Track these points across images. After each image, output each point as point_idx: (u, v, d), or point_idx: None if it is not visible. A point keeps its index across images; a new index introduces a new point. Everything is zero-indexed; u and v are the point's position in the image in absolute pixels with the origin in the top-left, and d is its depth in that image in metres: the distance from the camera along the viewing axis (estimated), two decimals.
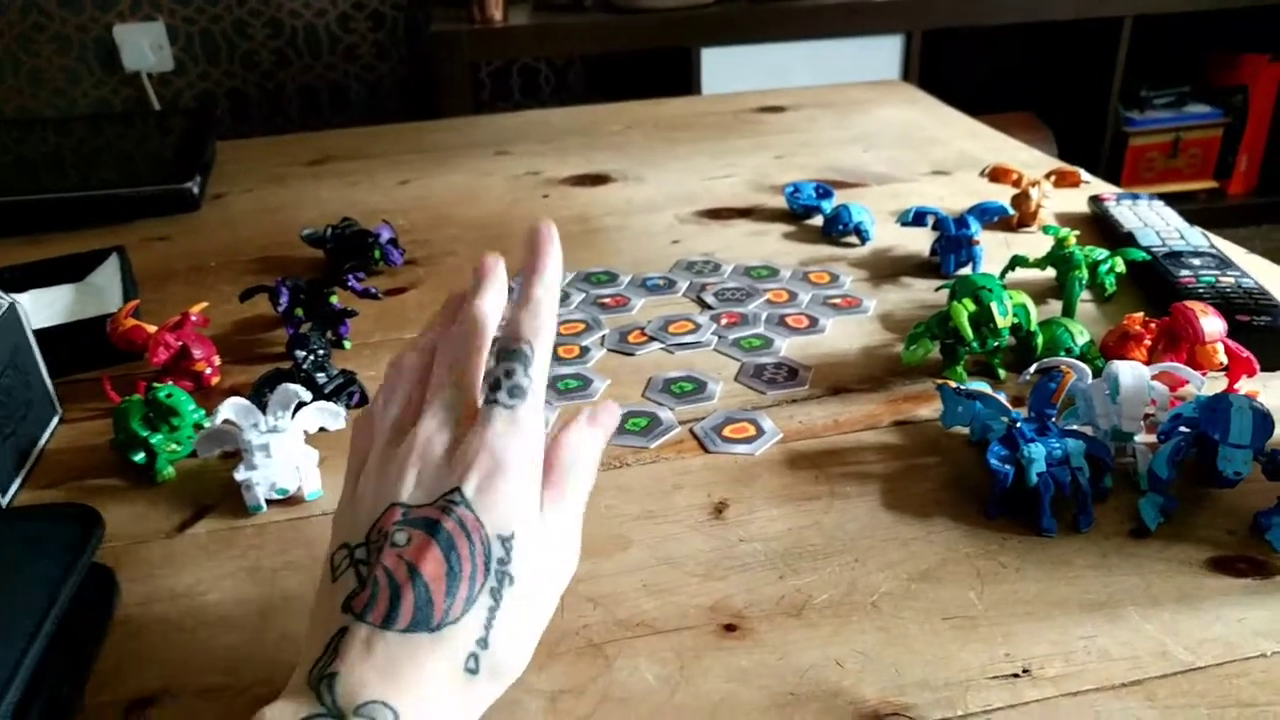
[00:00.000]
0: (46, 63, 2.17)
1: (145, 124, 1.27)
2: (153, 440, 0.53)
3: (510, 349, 0.36)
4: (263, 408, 0.52)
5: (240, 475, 0.50)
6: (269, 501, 0.51)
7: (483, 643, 0.32)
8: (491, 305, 0.39)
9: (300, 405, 0.52)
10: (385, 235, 0.78)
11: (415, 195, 0.96)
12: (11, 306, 0.56)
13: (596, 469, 0.39)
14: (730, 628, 0.42)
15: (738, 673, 0.40)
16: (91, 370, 0.65)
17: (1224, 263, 0.68)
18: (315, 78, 2.30)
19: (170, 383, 0.59)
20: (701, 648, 0.41)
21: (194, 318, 0.63)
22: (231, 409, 0.51)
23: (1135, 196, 0.82)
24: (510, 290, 0.40)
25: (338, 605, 0.33)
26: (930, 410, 0.56)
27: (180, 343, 0.61)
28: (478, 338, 0.38)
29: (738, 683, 0.39)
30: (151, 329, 0.61)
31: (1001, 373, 0.60)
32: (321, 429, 0.55)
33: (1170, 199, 0.81)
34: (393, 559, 0.33)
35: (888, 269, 0.75)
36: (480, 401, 0.37)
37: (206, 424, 0.54)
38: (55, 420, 0.59)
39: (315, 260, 0.81)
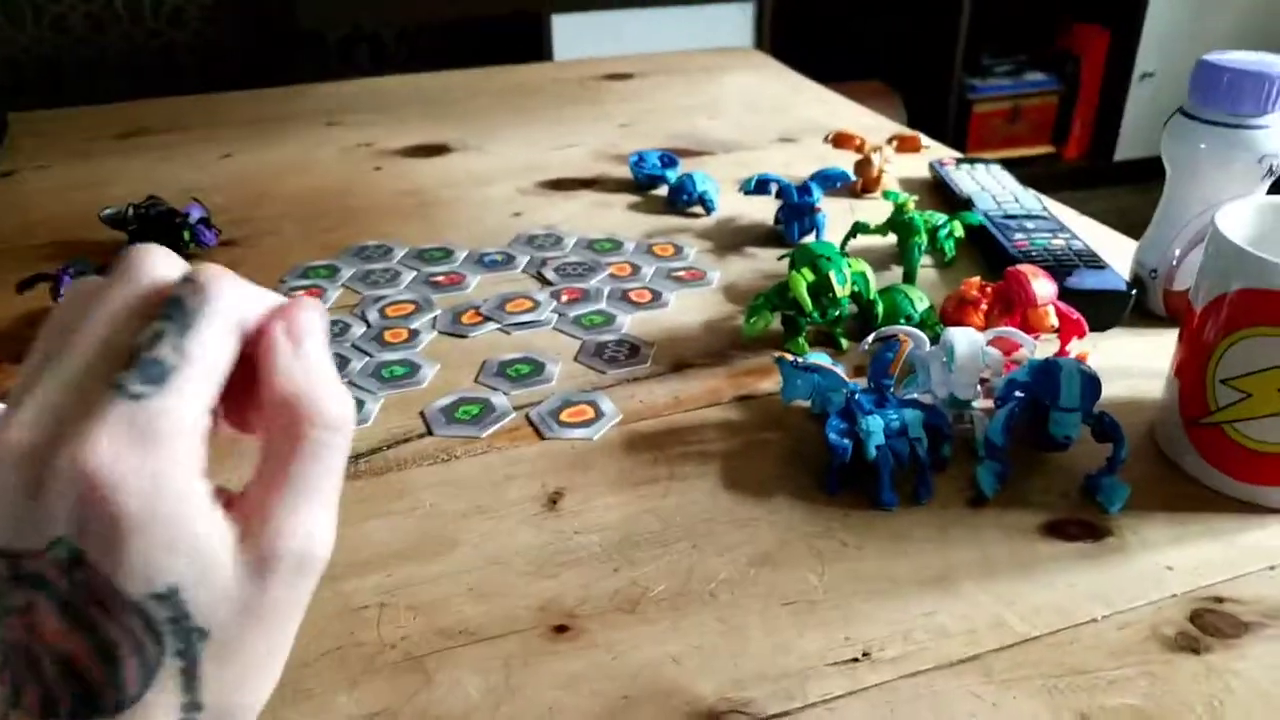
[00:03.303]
0: None
1: None
2: None
3: (173, 296, 0.23)
4: None
5: None
6: None
7: (193, 706, 0.24)
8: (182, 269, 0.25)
9: None
10: (195, 215, 0.71)
11: (236, 170, 0.89)
12: None
13: (349, 409, 0.25)
14: (561, 629, 0.39)
15: (568, 678, 0.37)
16: None
17: (1056, 225, 0.69)
18: (138, 45, 2.14)
19: None
20: (530, 653, 0.38)
21: None
22: None
23: (973, 161, 0.82)
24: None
25: None
26: (772, 384, 0.55)
27: None
28: (150, 290, 0.24)
29: (567, 689, 0.37)
30: None
31: (844, 342, 0.59)
32: None
33: (1011, 164, 0.83)
34: (19, 632, 0.23)
35: (732, 239, 0.74)
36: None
37: None
38: None
39: (117, 243, 0.73)
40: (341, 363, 0.57)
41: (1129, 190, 2.64)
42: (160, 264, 0.25)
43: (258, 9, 2.14)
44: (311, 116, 1.03)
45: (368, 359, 0.58)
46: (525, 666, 0.38)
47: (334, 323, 0.62)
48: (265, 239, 0.75)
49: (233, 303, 0.24)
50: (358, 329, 0.61)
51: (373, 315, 0.62)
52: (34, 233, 0.76)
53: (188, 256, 0.71)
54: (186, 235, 0.70)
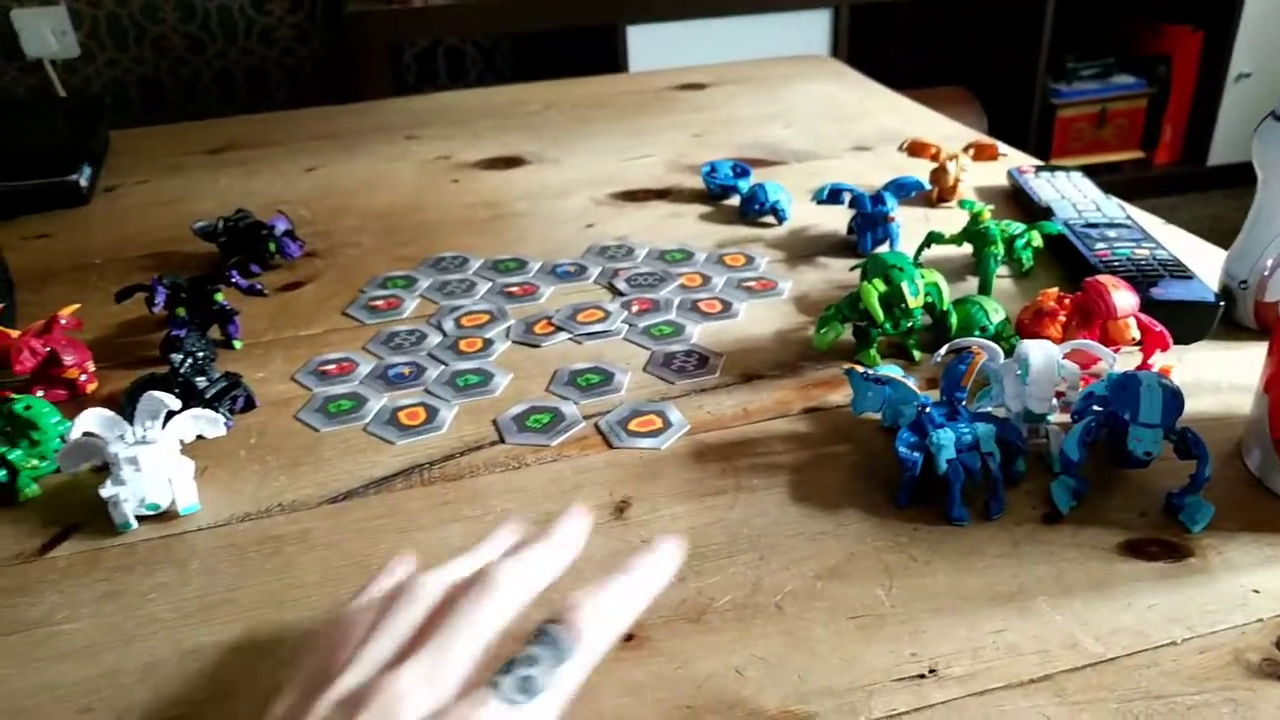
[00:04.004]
0: None
1: (30, 113, 1.20)
2: (11, 456, 0.49)
3: (547, 631, 0.30)
4: (131, 417, 0.49)
5: (106, 491, 0.47)
6: (140, 518, 0.48)
7: None
8: (537, 566, 0.33)
9: (171, 414, 0.49)
10: (281, 227, 0.74)
11: (319, 184, 0.91)
12: None
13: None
14: (627, 637, 0.40)
15: (632, 686, 0.37)
16: None
17: (1140, 234, 0.67)
18: (231, 63, 2.22)
19: (39, 393, 0.56)
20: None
21: (63, 321, 0.58)
22: (92, 420, 0.47)
23: (1053, 168, 0.81)
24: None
25: None
26: (843, 396, 0.54)
27: (48, 349, 0.57)
28: (508, 600, 0.31)
29: (632, 697, 0.37)
30: (15, 334, 0.57)
31: (917, 354, 0.58)
32: (200, 437, 0.51)
33: (1098, 170, 0.81)
34: None
35: (804, 249, 0.73)
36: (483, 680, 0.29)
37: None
38: None
39: (209, 254, 0.76)
40: (418, 371, 0.59)
41: (1223, 196, 2.54)
42: (525, 582, 0.32)
43: (343, 29, 2.21)
44: (391, 130, 1.05)
45: (443, 368, 0.59)
46: (592, 673, 0.38)
47: (411, 332, 0.63)
48: (346, 250, 0.77)
49: (598, 645, 0.30)
50: (434, 338, 0.62)
51: (449, 325, 0.64)
52: (132, 244, 0.80)
53: (274, 268, 0.74)
54: (272, 247, 0.73)
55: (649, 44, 2.01)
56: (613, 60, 2.01)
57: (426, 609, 0.32)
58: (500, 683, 0.28)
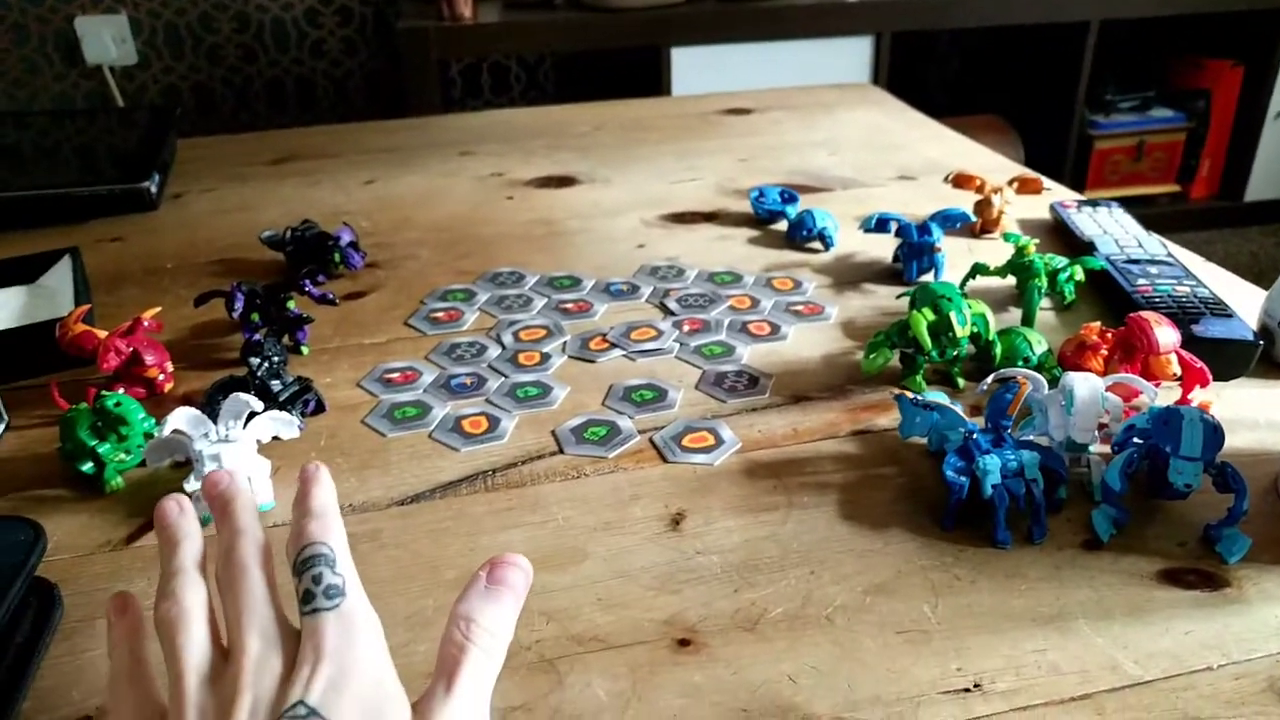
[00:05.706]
0: (4, 54, 2.13)
1: (104, 120, 1.24)
2: (100, 450, 0.52)
3: (308, 555, 0.33)
4: (214, 416, 0.51)
5: (190, 486, 0.49)
6: None
7: None
8: (255, 532, 0.35)
9: (252, 415, 0.52)
10: (345, 238, 0.77)
11: (378, 196, 0.95)
12: None
13: (505, 642, 0.34)
14: (684, 642, 0.42)
15: (690, 689, 0.39)
16: (41, 376, 0.63)
17: (1182, 272, 0.69)
18: (282, 72, 2.27)
19: (121, 390, 0.59)
20: (655, 663, 0.41)
21: (146, 323, 0.61)
22: (181, 418, 0.50)
23: (1095, 203, 0.82)
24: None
25: None
26: (890, 419, 0.56)
27: (131, 349, 0.60)
28: (264, 561, 0.34)
29: (690, 699, 0.39)
30: (102, 334, 0.60)
31: (961, 382, 0.60)
32: (275, 438, 0.54)
33: (1133, 202, 0.83)
34: None
35: (851, 275, 0.75)
36: (298, 618, 0.33)
37: (156, 433, 0.53)
38: (1, 428, 0.58)
39: (275, 262, 0.79)
40: (479, 381, 0.61)
41: (1261, 232, 2.53)
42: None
43: (392, 43, 2.26)
44: (445, 146, 1.09)
45: (503, 379, 0.61)
46: (651, 675, 0.40)
47: (471, 344, 0.66)
48: (406, 262, 0.80)
49: (344, 549, 0.34)
50: (493, 350, 0.65)
51: (507, 338, 0.66)
52: (201, 250, 0.83)
53: (337, 277, 0.77)
54: (336, 257, 0.76)
55: (692, 66, 2.04)
56: (655, 81, 2.04)
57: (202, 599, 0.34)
58: (314, 605, 0.32)
